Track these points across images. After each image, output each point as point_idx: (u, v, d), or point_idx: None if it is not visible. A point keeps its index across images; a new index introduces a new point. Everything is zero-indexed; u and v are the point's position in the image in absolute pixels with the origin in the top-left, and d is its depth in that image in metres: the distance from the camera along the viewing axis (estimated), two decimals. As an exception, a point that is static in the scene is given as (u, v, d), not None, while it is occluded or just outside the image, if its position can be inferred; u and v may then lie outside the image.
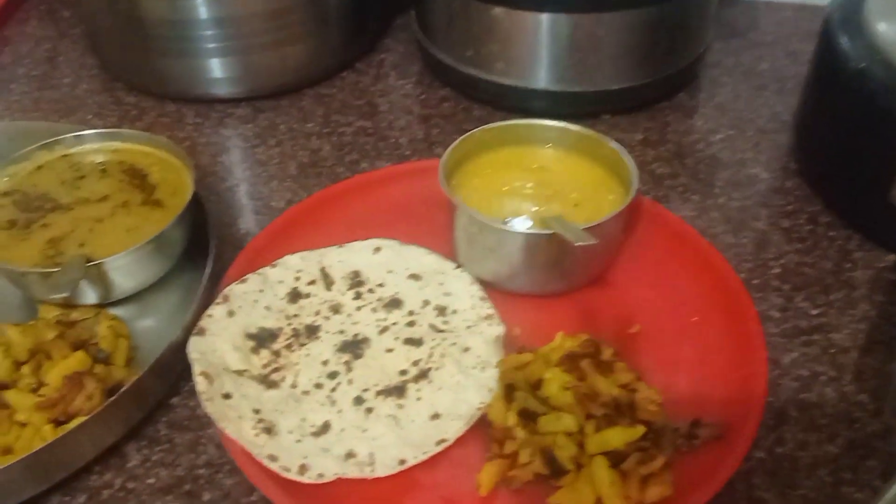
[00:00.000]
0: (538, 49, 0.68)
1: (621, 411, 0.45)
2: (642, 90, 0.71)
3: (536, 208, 0.54)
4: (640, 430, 0.43)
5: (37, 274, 0.50)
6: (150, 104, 0.73)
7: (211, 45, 0.71)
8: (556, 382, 0.46)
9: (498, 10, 0.67)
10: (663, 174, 0.65)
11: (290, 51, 0.73)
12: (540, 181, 0.56)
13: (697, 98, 0.73)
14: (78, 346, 0.48)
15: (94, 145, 0.60)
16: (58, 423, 0.44)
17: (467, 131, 0.56)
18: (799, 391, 0.49)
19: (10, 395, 0.44)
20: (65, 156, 0.59)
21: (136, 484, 0.45)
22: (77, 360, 0.45)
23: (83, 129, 0.60)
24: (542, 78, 0.69)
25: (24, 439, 0.43)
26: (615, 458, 0.43)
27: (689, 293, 0.54)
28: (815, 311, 0.54)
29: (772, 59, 0.77)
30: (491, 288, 0.53)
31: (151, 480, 0.45)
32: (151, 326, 0.53)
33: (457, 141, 0.55)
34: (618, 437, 0.43)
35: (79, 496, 0.44)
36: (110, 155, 0.60)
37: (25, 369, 0.46)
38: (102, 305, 0.53)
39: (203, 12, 0.69)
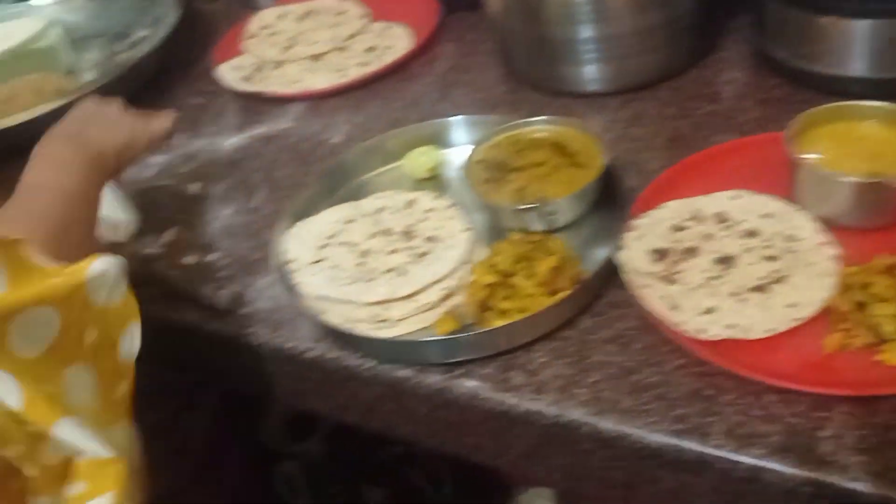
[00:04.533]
0: (858, 45, 0.86)
1: (932, 302, 0.64)
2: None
3: (863, 167, 0.73)
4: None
5: (514, 210, 0.79)
6: (548, 100, 1.00)
7: (592, 55, 0.97)
8: (881, 284, 0.66)
9: (825, 19, 0.86)
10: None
11: (651, 57, 0.98)
12: (863, 148, 0.75)
13: None
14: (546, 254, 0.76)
15: (527, 129, 0.89)
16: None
17: (798, 112, 0.76)
18: None
19: (516, 280, 0.73)
20: (509, 136, 0.89)
21: (589, 336, 0.72)
22: (555, 257, 0.73)
23: (517, 120, 0.89)
24: (860, 68, 0.87)
25: (533, 304, 0.71)
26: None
27: None
28: None
29: None
30: (827, 223, 0.74)
31: (598, 335, 0.72)
32: (577, 247, 0.80)
33: (799, 115, 0.76)
34: (926, 317, 0.63)
35: (556, 341, 0.72)
36: (539, 134, 0.88)
37: (520, 266, 0.74)
38: (546, 233, 0.81)
39: (590, 32, 0.95)
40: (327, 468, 1.48)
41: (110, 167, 0.78)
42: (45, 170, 0.73)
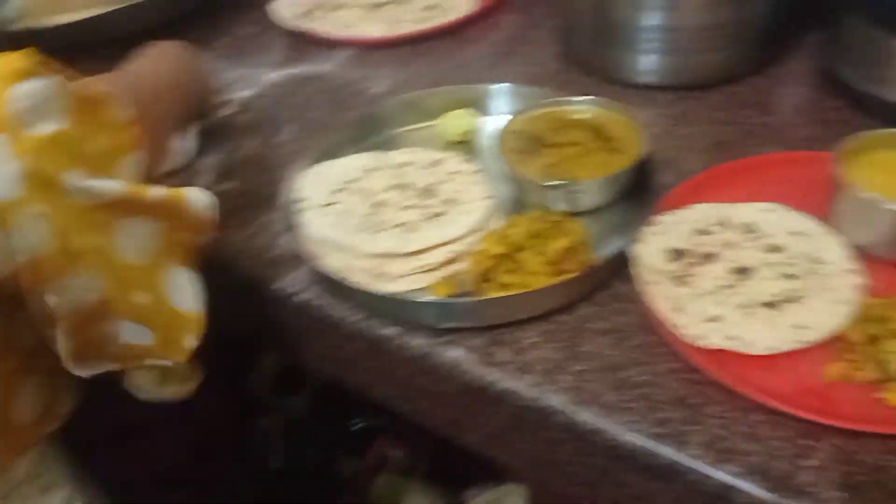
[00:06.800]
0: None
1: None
2: None
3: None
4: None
5: (539, 185, 0.77)
6: (598, 86, 0.97)
7: (652, 45, 0.94)
8: (900, 321, 0.63)
9: (897, 42, 0.81)
10: None
11: (711, 56, 0.94)
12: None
13: None
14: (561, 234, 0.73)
15: (569, 107, 0.86)
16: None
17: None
18: None
19: (524, 255, 0.71)
20: (549, 112, 0.86)
21: (584, 324, 0.69)
22: (569, 239, 0.71)
23: (562, 97, 0.86)
24: (929, 99, 0.82)
25: (535, 282, 0.69)
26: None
27: None
28: None
29: None
30: (860, 252, 0.70)
31: (594, 325, 0.69)
32: (595, 233, 0.77)
33: (853, 136, 0.72)
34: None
35: (550, 324, 0.69)
36: (579, 115, 0.85)
37: (532, 241, 0.72)
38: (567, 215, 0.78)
39: (657, 20, 0.92)
40: (306, 429, 1.46)
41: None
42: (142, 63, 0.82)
